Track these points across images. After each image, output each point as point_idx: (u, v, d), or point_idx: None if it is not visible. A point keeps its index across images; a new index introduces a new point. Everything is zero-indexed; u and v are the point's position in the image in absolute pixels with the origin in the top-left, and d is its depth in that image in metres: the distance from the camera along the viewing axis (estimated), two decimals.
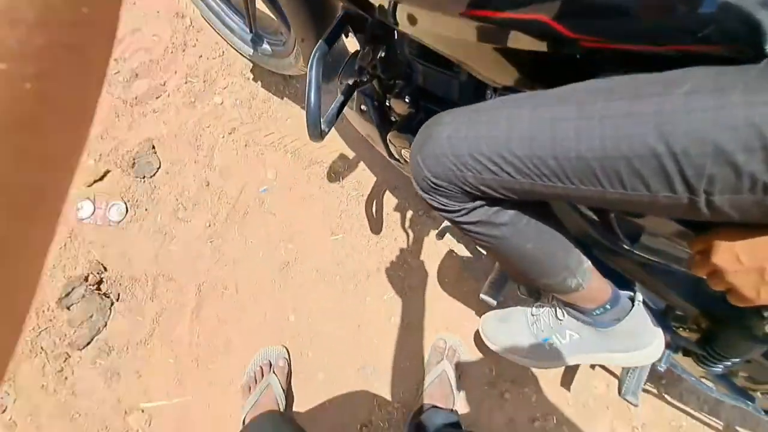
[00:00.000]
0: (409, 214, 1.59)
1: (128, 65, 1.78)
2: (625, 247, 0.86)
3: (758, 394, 1.10)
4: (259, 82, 1.74)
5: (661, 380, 1.42)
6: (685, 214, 0.54)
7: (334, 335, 1.51)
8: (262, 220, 1.62)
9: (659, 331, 0.94)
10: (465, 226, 0.75)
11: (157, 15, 1.83)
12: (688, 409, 1.41)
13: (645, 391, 1.42)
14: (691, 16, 0.51)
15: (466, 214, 0.73)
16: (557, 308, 1.01)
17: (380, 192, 1.62)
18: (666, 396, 1.42)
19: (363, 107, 1.15)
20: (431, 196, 0.73)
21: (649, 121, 0.50)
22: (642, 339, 0.94)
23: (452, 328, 1.49)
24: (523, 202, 0.73)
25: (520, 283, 1.11)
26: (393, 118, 1.15)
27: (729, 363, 0.94)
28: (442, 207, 0.74)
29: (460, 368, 1.43)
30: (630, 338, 0.94)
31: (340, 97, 1.02)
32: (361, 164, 1.64)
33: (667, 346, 1.04)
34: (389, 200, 1.61)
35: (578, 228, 0.92)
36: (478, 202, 0.72)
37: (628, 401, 1.02)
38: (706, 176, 0.49)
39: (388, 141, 1.15)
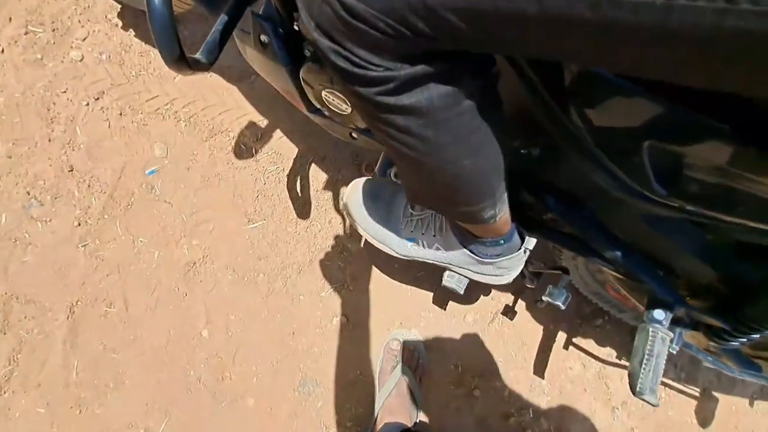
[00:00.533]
0: (343, 189, 1.29)
1: None
2: (652, 195, 0.62)
3: (761, 362, 0.97)
4: (132, 30, 1.32)
5: None
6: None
7: (263, 348, 1.20)
8: (153, 212, 1.24)
9: (523, 263, 0.90)
10: (383, 113, 0.46)
11: None
12: (666, 380, 1.29)
13: (620, 367, 1.28)
14: None
15: (395, 92, 0.43)
16: (443, 222, 0.88)
17: (305, 164, 1.29)
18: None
19: (263, 38, 0.81)
20: (338, 45, 0.41)
21: None
22: (508, 271, 0.89)
23: (407, 321, 1.24)
24: (484, 86, 0.49)
25: (425, 206, 0.86)
26: (307, 50, 0.82)
27: (757, 335, 0.77)
28: (354, 69, 0.42)
29: (421, 369, 1.19)
30: (498, 270, 0.88)
31: (223, 16, 0.70)
32: (278, 131, 1.30)
33: (679, 322, 0.85)
34: (317, 174, 1.29)
35: (579, 178, 0.68)
36: (423, 68, 0.42)
37: (646, 401, 0.83)
38: None
39: (302, 82, 0.81)
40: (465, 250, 0.85)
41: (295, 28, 0.78)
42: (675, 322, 0.85)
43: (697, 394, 1.30)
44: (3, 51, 1.28)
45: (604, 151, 0.59)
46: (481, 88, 0.48)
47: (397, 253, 0.96)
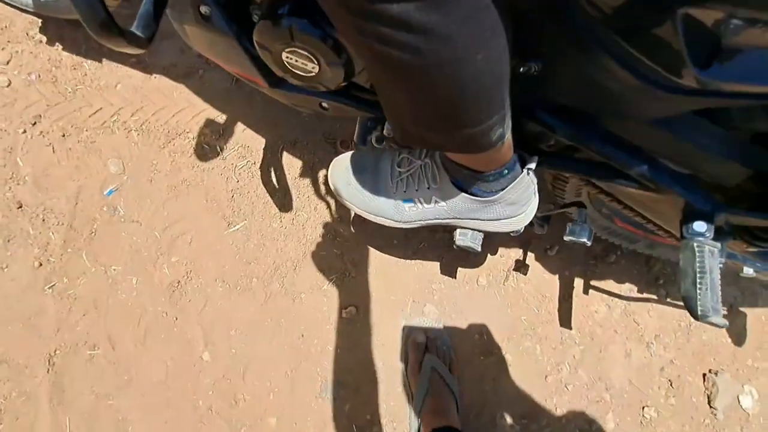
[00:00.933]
0: (322, 173, 1.19)
1: None
2: (684, 80, 0.54)
3: None
4: (59, 44, 1.19)
5: (657, 281, 1.23)
6: None
7: (273, 359, 1.09)
8: (121, 235, 1.12)
9: (535, 198, 0.81)
10: (380, 26, 0.38)
11: None
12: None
13: (645, 300, 1.23)
14: None
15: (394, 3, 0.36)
16: (434, 168, 0.78)
17: (276, 153, 1.19)
18: (668, 299, 1.23)
19: (203, 9, 0.70)
20: None
21: None
22: (518, 208, 0.80)
23: (419, 296, 1.15)
24: None
25: (420, 143, 0.68)
26: (255, 13, 0.71)
27: None
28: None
29: (449, 358, 1.09)
30: (507, 207, 0.79)
31: None
32: (240, 123, 1.19)
33: (720, 232, 0.78)
34: (291, 161, 1.19)
35: (592, 86, 0.59)
36: None
37: (713, 324, 0.74)
38: None
39: (258, 47, 0.70)
40: (465, 194, 0.77)
41: None
42: (718, 232, 0.78)
43: (725, 312, 1.25)
44: None
45: (624, 36, 0.51)
46: None
47: (396, 221, 0.87)
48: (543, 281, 1.20)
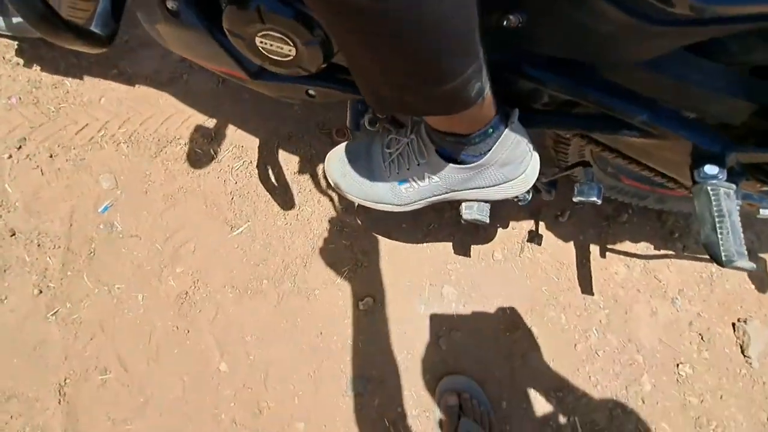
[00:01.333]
0: (320, 165, 1.16)
1: None
2: (685, 7, 0.52)
3: None
4: (37, 65, 1.15)
5: (672, 235, 1.21)
6: None
7: (293, 362, 1.05)
8: (121, 251, 1.08)
9: (534, 155, 0.77)
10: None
11: None
12: (707, 256, 1.21)
13: (663, 257, 1.20)
14: None
15: None
16: (420, 143, 0.77)
17: (271, 150, 1.16)
18: (685, 252, 1.21)
19: (169, 4, 0.67)
20: None
21: None
22: (516, 167, 0.76)
23: (436, 278, 1.12)
24: None
25: (399, 108, 0.66)
26: (223, 2, 0.68)
27: None
28: None
29: (486, 417, 1.01)
30: (501, 170, 0.75)
31: None
32: (230, 124, 1.16)
33: (732, 172, 0.76)
34: (288, 156, 1.16)
35: (581, 33, 0.57)
36: None
37: (739, 268, 0.71)
38: None
39: (230, 35, 0.67)
40: (454, 165, 0.75)
41: None
42: (729, 174, 0.75)
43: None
44: None
45: None
46: None
47: (396, 205, 0.86)
48: (558, 249, 1.17)
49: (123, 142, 1.12)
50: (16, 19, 1.02)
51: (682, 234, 1.21)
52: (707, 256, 1.15)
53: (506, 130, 0.69)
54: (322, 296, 1.09)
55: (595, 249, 1.19)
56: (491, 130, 0.69)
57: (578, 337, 1.11)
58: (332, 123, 1.17)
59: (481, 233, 1.15)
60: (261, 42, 0.63)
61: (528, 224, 1.18)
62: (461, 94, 0.54)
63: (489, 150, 0.72)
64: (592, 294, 1.15)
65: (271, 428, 1.02)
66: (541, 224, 1.19)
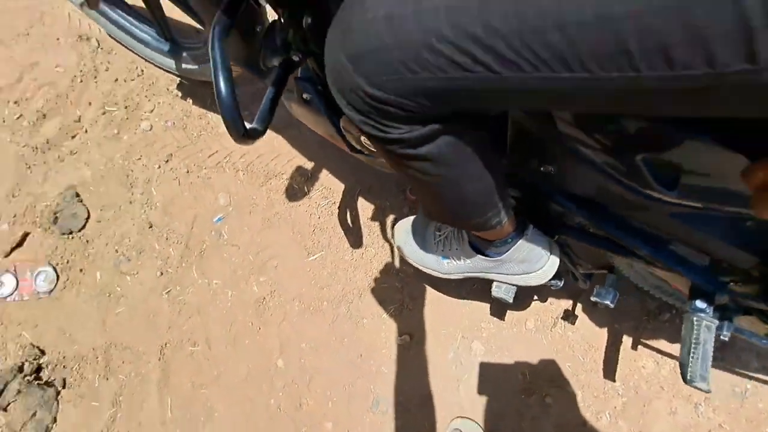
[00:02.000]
0: (391, 216, 1.36)
1: (32, 106, 1.50)
2: (659, 196, 0.66)
3: None
4: (190, 98, 1.49)
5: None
6: (722, 109, 0.40)
7: (334, 373, 1.26)
8: (223, 255, 1.36)
9: (552, 257, 0.95)
10: (405, 160, 0.58)
11: (57, 43, 1.56)
12: (751, 372, 1.23)
13: None
14: None
15: (419, 146, 0.55)
16: (459, 234, 1.01)
17: (353, 196, 1.38)
18: (722, 362, 1.23)
19: (305, 96, 0.92)
20: (366, 117, 0.53)
21: None
22: (533, 263, 0.95)
23: (468, 333, 1.27)
24: (482, 135, 0.61)
25: (440, 222, 1.02)
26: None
27: None
28: (380, 133, 0.54)
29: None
30: (519, 265, 0.95)
31: (270, 89, 0.80)
32: (325, 169, 1.41)
33: (726, 309, 0.85)
34: (365, 204, 1.38)
35: (595, 186, 0.73)
36: (432, 127, 0.53)
37: (698, 388, 0.82)
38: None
39: (342, 130, 0.92)
40: (480, 256, 0.97)
41: None
42: (721, 309, 0.84)
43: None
44: (86, 131, 1.48)
45: (609, 165, 0.64)
46: (480, 136, 0.60)
47: (439, 272, 1.08)
48: (591, 331, 1.26)
49: (241, 170, 1.41)
50: (186, 66, 1.34)
51: (721, 345, 1.23)
52: (745, 371, 1.19)
53: (521, 240, 0.90)
54: (369, 325, 1.29)
55: (627, 340, 1.25)
56: (509, 240, 0.90)
57: (590, 417, 1.19)
58: (407, 185, 1.36)
59: (519, 302, 1.28)
60: (364, 139, 0.86)
61: (566, 303, 1.29)
62: (483, 225, 0.75)
63: (507, 251, 0.92)
64: (614, 380, 1.22)
65: (306, 421, 1.24)
66: (579, 305, 1.28)
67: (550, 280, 0.99)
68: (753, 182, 0.42)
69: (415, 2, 0.43)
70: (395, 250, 1.33)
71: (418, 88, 0.47)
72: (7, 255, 1.38)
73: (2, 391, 1.26)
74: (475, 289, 1.30)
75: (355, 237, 1.35)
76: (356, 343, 1.28)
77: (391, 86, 0.47)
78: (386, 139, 0.54)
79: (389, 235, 1.34)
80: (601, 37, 0.35)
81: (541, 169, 0.75)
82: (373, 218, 1.35)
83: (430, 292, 1.30)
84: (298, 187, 1.39)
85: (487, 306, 1.28)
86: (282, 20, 0.78)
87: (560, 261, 0.97)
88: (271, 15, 0.82)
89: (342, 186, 1.38)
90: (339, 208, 1.37)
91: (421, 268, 1.10)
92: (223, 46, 0.66)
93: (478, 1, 0.40)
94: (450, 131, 0.55)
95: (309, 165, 1.41)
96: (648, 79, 0.35)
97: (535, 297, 1.28)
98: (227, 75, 0.66)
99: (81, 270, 1.36)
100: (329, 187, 1.39)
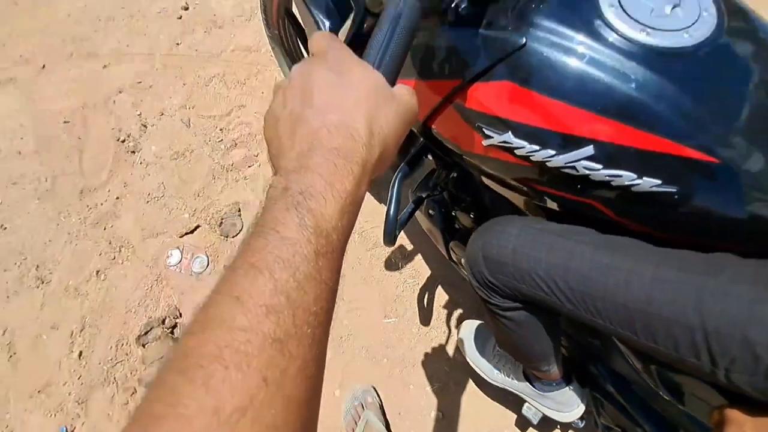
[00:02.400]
0: (460, 311, 1.63)
1: (230, 135, 2.03)
2: (660, 393, 0.87)
3: None
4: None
5: None
6: (707, 377, 0.61)
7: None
8: None
9: (582, 407, 1.14)
10: (501, 319, 0.87)
11: (261, 96, 2.09)
12: None
13: None
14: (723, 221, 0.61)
15: (508, 311, 0.85)
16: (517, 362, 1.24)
17: (435, 284, 1.68)
18: None
19: (431, 212, 1.25)
20: (483, 290, 0.84)
21: (692, 295, 0.59)
22: (566, 407, 1.15)
23: (495, 430, 1.47)
24: (552, 316, 0.87)
25: (506, 353, 1.24)
26: (457, 226, 1.24)
27: None
28: (489, 300, 0.85)
29: None
30: (555, 404, 1.16)
31: (411, 206, 1.13)
32: (420, 256, 1.73)
33: None
34: (442, 295, 1.66)
35: (626, 377, 0.94)
36: (519, 305, 0.84)
37: None
38: (729, 357, 0.56)
39: (450, 248, 1.23)
40: (528, 383, 1.20)
41: (453, 214, 1.21)
42: None
43: None
44: (260, 166, 1.96)
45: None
46: (550, 316, 0.88)
47: (487, 376, 1.32)
48: None
49: (357, 232, 1.78)
50: None
51: None
52: None
53: (565, 387, 1.11)
54: (413, 392, 1.55)
55: None
56: (555, 384, 1.14)
57: None
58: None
59: (542, 425, 1.46)
60: (463, 261, 1.16)
61: None
62: (536, 369, 1.04)
63: (551, 392, 1.15)
64: None
65: None
66: None
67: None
68: (711, 421, 0.66)
69: (530, 248, 0.75)
70: (455, 341, 1.59)
71: (518, 289, 0.78)
72: (182, 236, 1.88)
73: (148, 332, 1.73)
74: (511, 398, 1.50)
75: (424, 317, 1.63)
76: (399, 402, 1.55)
77: (503, 281, 0.79)
78: (487, 300, 0.86)
79: (453, 325, 1.60)
80: (622, 312, 0.66)
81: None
82: (446, 307, 1.63)
83: (471, 385, 1.53)
84: (395, 261, 1.72)
85: (514, 416, 1.48)
86: (439, 172, 1.12)
87: (587, 408, 1.18)
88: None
89: (429, 272, 1.69)
90: (421, 289, 1.67)
91: (473, 365, 1.35)
92: (401, 186, 1.02)
93: (564, 262, 0.71)
94: (531, 311, 0.84)
95: (409, 246, 1.74)
96: (642, 343, 0.65)
97: (558, 428, 1.45)
98: (397, 205, 1.01)
99: (225, 266, 1.81)
100: (419, 270, 1.70)
